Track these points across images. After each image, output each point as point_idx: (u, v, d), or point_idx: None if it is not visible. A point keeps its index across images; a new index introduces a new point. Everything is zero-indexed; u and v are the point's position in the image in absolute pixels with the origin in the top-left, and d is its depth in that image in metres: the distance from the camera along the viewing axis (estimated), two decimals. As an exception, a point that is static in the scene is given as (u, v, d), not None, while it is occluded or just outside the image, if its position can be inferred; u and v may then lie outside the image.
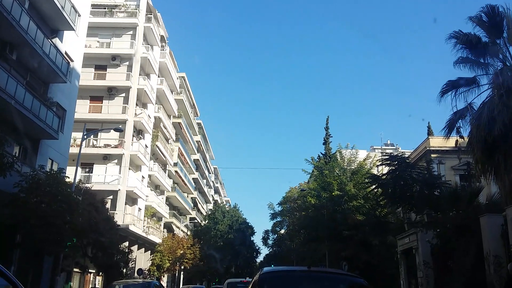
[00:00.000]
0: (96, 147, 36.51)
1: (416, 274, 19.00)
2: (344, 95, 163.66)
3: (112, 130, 36.71)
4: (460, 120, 17.46)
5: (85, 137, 24.75)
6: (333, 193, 31.71)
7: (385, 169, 25.64)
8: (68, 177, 23.14)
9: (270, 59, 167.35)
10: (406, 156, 24.07)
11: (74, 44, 26.87)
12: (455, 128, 17.39)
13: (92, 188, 30.45)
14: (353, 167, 33.90)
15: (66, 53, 25.19)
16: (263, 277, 5.51)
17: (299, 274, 5.63)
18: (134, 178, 37.10)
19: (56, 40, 24.24)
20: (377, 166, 26.78)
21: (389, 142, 75.36)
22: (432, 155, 30.54)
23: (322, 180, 34.01)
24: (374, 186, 25.04)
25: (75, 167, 34.52)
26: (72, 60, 26.32)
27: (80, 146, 24.49)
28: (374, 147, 66.98)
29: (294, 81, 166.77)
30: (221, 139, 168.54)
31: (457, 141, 17.28)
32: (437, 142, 32.20)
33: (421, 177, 22.77)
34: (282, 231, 60.52)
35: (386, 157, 23.53)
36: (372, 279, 27.55)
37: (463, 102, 17.66)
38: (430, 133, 41.24)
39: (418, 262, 18.08)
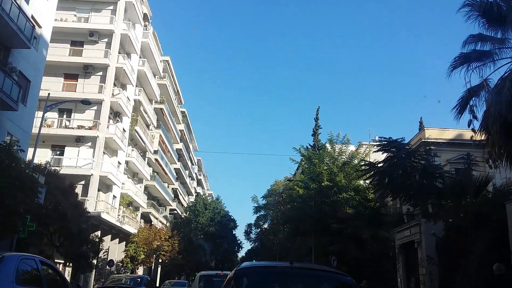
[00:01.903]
0: (68, 128, 33.82)
1: (416, 270, 16.99)
2: (333, 88, 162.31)
3: (86, 111, 34.40)
4: (474, 98, 15.47)
5: (48, 108, 22.03)
6: (322, 184, 29.65)
7: (381, 158, 23.75)
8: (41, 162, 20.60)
9: (258, 53, 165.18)
10: (405, 142, 22.02)
11: (43, 10, 24.24)
12: (468, 107, 15.37)
13: (60, 172, 28.08)
14: (344, 158, 31.86)
15: (32, 16, 22.59)
16: (239, 272, 4.95)
17: (280, 271, 5.10)
18: (109, 163, 34.53)
19: (21, 1, 21.59)
20: (375, 151, 24.67)
21: (377, 138, 73.52)
22: (427, 148, 28.75)
23: (310, 171, 31.96)
24: (369, 174, 23.01)
25: (44, 149, 32.68)
26: (39, 26, 23.71)
27: (42, 118, 21.84)
28: (363, 142, 65.05)
29: (282, 71, 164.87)
30: (206, 130, 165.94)
31: (470, 121, 15.22)
32: (433, 134, 30.50)
33: (421, 165, 20.84)
34: (266, 226, 58.66)
35: (384, 142, 21.46)
36: (363, 276, 25.61)
37: (478, 78, 15.72)
38: (421, 128, 39.57)
39: (421, 258, 16.03)
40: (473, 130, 15.21)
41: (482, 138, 15.89)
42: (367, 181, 30.20)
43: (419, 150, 22.70)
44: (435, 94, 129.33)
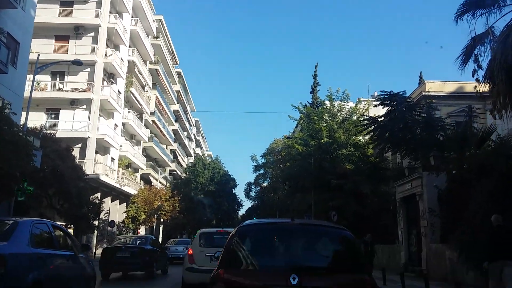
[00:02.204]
0: (62, 91, 33.21)
1: (417, 223, 17.01)
2: (331, 45, 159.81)
3: (79, 73, 33.71)
4: (478, 47, 14.94)
5: (38, 70, 21.41)
6: (321, 140, 29.44)
7: (380, 113, 23.40)
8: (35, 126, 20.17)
9: (255, 7, 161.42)
10: (406, 95, 21.60)
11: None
12: (472, 56, 14.87)
13: (56, 135, 27.75)
14: (343, 114, 31.50)
15: (16, -26, 21.57)
16: (241, 230, 5.15)
17: (281, 227, 5.27)
18: (105, 125, 34.11)
19: (4, -43, 20.53)
20: (375, 106, 24.27)
21: (376, 94, 72.94)
22: (427, 101, 28.40)
23: (310, 128, 31.69)
24: (370, 129, 22.73)
25: (38, 113, 32.16)
26: (25, -16, 22.73)
27: (33, 80, 21.31)
28: (362, 99, 64.49)
29: (280, 28, 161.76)
30: (203, 90, 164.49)
31: (474, 71, 14.75)
32: (434, 87, 30.02)
33: (422, 119, 20.54)
34: (265, 184, 59.01)
35: (385, 96, 21.04)
36: (364, 230, 25.80)
37: (483, 26, 15.14)
38: (421, 82, 38.98)
39: (422, 210, 15.99)
40: (477, 80, 14.78)
41: (486, 90, 15.50)
42: (367, 137, 30.03)
43: (420, 103, 22.31)
44: (436, 42, 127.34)
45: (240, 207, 64.08)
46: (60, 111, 33.01)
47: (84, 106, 32.97)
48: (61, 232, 8.52)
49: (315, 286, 4.38)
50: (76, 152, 30.29)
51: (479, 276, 11.80)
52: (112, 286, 13.87)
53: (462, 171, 12.81)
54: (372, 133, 23.00)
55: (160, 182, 50.36)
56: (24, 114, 22.12)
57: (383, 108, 21.62)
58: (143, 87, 44.53)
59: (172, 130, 58.08)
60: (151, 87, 47.45)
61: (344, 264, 4.88)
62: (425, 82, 31.25)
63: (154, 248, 16.94)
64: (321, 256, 5.09)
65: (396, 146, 20.67)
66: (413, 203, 17.16)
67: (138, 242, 17.31)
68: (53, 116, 33.00)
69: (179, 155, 64.90)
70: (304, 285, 4.28)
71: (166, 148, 55.65)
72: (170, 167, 58.32)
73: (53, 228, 7.92)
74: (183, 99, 65.23)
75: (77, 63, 22.54)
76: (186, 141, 69.27)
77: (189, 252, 10.92)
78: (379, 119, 21.48)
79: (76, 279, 8.27)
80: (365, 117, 24.80)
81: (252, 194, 62.66)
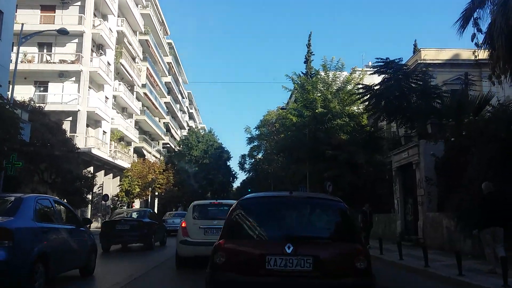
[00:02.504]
0: (50, 62, 32.34)
1: (413, 192, 16.83)
2: (325, 13, 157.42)
3: (67, 44, 32.82)
4: (478, 10, 14.46)
5: (23, 40, 20.67)
6: (316, 111, 29.04)
7: (376, 81, 22.96)
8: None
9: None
10: (402, 63, 21.12)
11: None
12: (471, 19, 14.40)
13: (45, 108, 27.18)
14: (338, 83, 31.00)
15: None
16: (242, 203, 5.47)
17: (280, 200, 5.62)
18: (95, 98, 33.47)
19: None
20: (371, 73, 23.72)
21: (370, 64, 72.10)
22: (424, 69, 27.98)
23: (304, 98, 31.22)
24: (365, 98, 22.33)
25: (26, 86, 31.37)
26: (5, -51, 21.68)
27: (18, 50, 20.61)
28: (356, 68, 63.77)
29: None
30: (195, 62, 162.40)
31: (473, 35, 14.32)
32: (429, 54, 29.57)
33: (419, 86, 20.16)
34: (260, 156, 58.81)
35: (381, 63, 20.56)
36: (359, 200, 25.70)
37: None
38: (416, 51, 38.37)
39: (419, 179, 15.77)
40: (476, 44, 14.38)
41: (485, 56, 15.12)
42: (361, 106, 29.70)
43: (416, 70, 21.87)
44: (433, 8, 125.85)
45: (235, 179, 63.99)
46: (49, 83, 32.27)
47: (73, 79, 32.20)
48: (63, 207, 8.97)
49: (309, 254, 4.62)
50: (66, 125, 29.77)
51: (477, 244, 11.69)
52: (113, 258, 14.25)
53: (461, 138, 12.51)
54: (367, 102, 22.60)
55: (154, 156, 50.00)
56: (11, 87, 21.53)
57: (378, 76, 21.15)
58: (134, 59, 43.62)
59: (165, 102, 57.38)
60: (142, 58, 46.51)
61: (338, 234, 5.25)
62: (421, 49, 30.76)
63: (152, 221, 17.35)
64: (316, 226, 5.43)
65: (392, 114, 20.34)
66: (410, 172, 16.94)
67: (136, 215, 17.86)
68: (41, 89, 32.27)
69: (172, 128, 64.36)
70: (299, 253, 4.59)
71: (159, 121, 55.07)
72: (164, 140, 57.89)
73: (55, 203, 8.42)
74: (174, 71, 64.20)
75: (63, 32, 21.75)
76: (179, 114, 68.61)
77: (183, 225, 10.57)
78: (375, 88, 21.05)
79: (78, 251, 8.73)
80: (361, 86, 24.32)
81: (247, 166, 62.53)
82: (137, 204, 43.52)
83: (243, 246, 4.92)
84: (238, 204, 5.45)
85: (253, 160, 59.31)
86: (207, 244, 10.15)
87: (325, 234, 5.29)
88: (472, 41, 14.24)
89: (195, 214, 10.75)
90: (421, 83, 21.21)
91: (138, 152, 46.52)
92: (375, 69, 21.07)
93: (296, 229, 5.18)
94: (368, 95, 21.76)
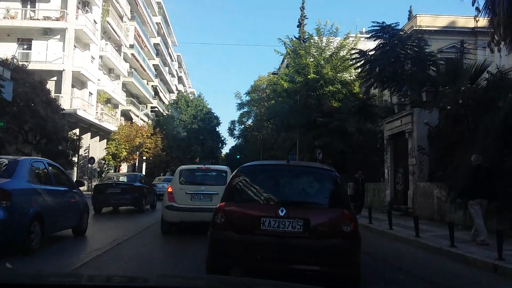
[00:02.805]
0: (34, 19, 31.00)
1: (404, 161, 16.58)
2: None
3: (51, 0, 31.39)
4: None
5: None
6: (308, 76, 28.42)
7: (371, 47, 22.34)
8: None
9: None
10: (398, 28, 20.48)
11: None
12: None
13: (29, 67, 26.24)
14: (331, 48, 30.25)
15: None
16: (242, 169, 5.83)
17: (278, 168, 6.16)
18: (81, 57, 32.35)
19: None
20: (367, 38, 23.01)
21: (364, 30, 70.86)
22: (419, 36, 27.39)
23: (296, 63, 30.50)
24: (359, 64, 21.75)
25: (9, 43, 30.18)
26: None
27: None
28: (350, 35, 62.68)
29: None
30: (185, 25, 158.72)
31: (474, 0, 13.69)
32: (425, 21, 28.92)
33: (414, 53, 19.63)
34: (249, 122, 58.31)
35: (376, 27, 19.91)
36: (350, 168, 25.52)
37: None
38: (411, 18, 37.54)
39: (411, 148, 15.47)
40: (477, 8, 13.76)
41: (483, 24, 14.61)
42: (354, 73, 29.13)
43: (412, 36, 21.25)
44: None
45: (224, 145, 63.65)
46: (33, 41, 31.00)
47: (58, 37, 30.98)
48: (56, 170, 9.19)
49: (300, 217, 5.05)
50: (51, 85, 28.85)
51: (468, 214, 11.52)
52: (104, 219, 14.62)
53: (457, 106, 12.13)
54: (361, 69, 22.03)
55: (142, 119, 49.14)
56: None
57: (374, 41, 20.49)
58: (121, 18, 42.12)
59: (153, 65, 55.99)
60: (130, 17, 44.93)
61: (328, 200, 5.73)
62: (416, 15, 30.06)
63: (142, 185, 17.96)
64: (308, 193, 5.88)
65: (386, 82, 19.85)
66: (402, 140, 16.63)
67: (127, 179, 18.48)
68: (25, 47, 31.01)
69: (161, 91, 63.20)
70: (291, 216, 5.04)
71: (147, 84, 53.90)
72: (152, 103, 56.86)
73: (48, 166, 8.67)
74: (164, 32, 62.46)
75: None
76: (168, 77, 67.25)
77: (169, 190, 10.19)
78: (370, 53, 20.45)
79: (71, 212, 9.11)
80: (355, 51, 23.65)
81: (236, 132, 62.13)
82: (124, 168, 43.03)
83: (241, 209, 5.39)
84: (238, 171, 5.82)
85: (243, 126, 58.85)
86: (193, 210, 9.79)
87: (316, 200, 5.75)
88: (473, 5, 13.62)
89: (182, 179, 10.36)
90: (416, 49, 20.69)
91: (126, 115, 45.65)
92: (371, 34, 20.36)
93: (290, 194, 5.65)
94: (363, 61, 21.16)
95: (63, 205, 8.61)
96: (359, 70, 22.75)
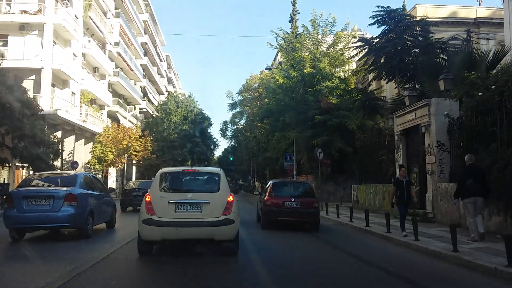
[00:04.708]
0: (9, 13, 28.87)
1: (419, 160, 14.78)
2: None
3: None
4: None
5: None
6: (304, 71, 26.61)
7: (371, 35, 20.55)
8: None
9: None
10: (405, 13, 18.71)
11: None
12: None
13: (4, 65, 24.22)
14: (329, 40, 28.49)
15: None
16: (273, 182, 14.87)
17: (289, 183, 16.45)
18: (61, 54, 30.25)
19: None
20: (370, 24, 21.10)
21: (356, 28, 69.21)
22: (425, 19, 25.78)
23: (291, 57, 28.68)
24: (363, 53, 19.95)
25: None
26: None
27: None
28: (347, 28, 60.89)
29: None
30: (173, 23, 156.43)
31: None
32: (426, 11, 27.44)
33: (424, 39, 17.89)
34: (242, 123, 56.52)
35: (382, 12, 18.11)
36: (352, 167, 23.64)
37: None
38: (404, 8, 35.94)
39: (429, 144, 13.65)
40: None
41: (489, 14, 12.92)
42: (353, 66, 27.40)
43: (421, 21, 19.51)
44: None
45: (216, 147, 61.63)
46: (9, 37, 28.82)
47: (36, 32, 28.86)
48: (96, 180, 13.02)
49: (299, 201, 13.07)
50: (29, 84, 26.81)
51: (505, 221, 9.75)
52: (128, 215, 18.36)
53: (489, 93, 10.35)
54: (364, 59, 20.21)
55: (129, 121, 46.98)
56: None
57: (378, 27, 18.66)
58: (105, 14, 40.01)
59: (141, 64, 53.95)
60: (114, 14, 42.80)
61: (308, 194, 13.80)
62: (416, 6, 28.46)
63: None
64: (300, 192, 14.00)
65: (393, 72, 18.05)
66: (416, 136, 14.86)
67: (145, 185, 21.04)
68: (0, 43, 28.95)
69: (150, 92, 61.09)
70: (296, 201, 13.10)
71: (135, 84, 51.81)
72: (140, 105, 54.67)
73: (92, 177, 12.79)
74: (151, 31, 60.32)
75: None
76: (156, 78, 65.13)
77: (147, 199, 7.90)
78: (374, 41, 18.65)
79: (107, 210, 12.52)
80: (357, 39, 21.83)
81: (229, 133, 60.25)
82: (112, 172, 40.90)
83: (275, 198, 13.29)
84: (272, 183, 14.55)
85: (235, 127, 57.07)
86: (178, 225, 7.60)
87: (304, 195, 13.72)
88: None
89: (163, 184, 8.16)
90: (421, 39, 19.04)
91: (112, 116, 43.48)
92: (375, 19, 18.44)
93: (294, 193, 13.74)
94: (367, 49, 19.33)
95: (102, 205, 11.94)
96: (362, 61, 20.94)
